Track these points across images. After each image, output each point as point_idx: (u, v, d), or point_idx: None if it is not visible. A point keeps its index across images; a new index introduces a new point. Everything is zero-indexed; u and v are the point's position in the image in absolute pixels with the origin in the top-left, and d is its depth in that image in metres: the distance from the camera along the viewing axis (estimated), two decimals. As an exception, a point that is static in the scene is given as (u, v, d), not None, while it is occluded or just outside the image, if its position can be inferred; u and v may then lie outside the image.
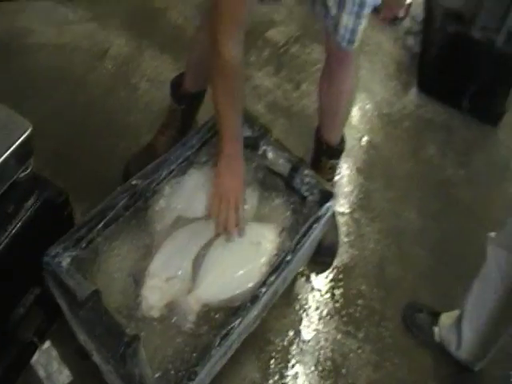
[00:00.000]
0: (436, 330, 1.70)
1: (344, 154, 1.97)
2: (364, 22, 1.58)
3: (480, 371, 1.65)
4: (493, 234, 1.49)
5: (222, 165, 1.47)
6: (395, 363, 1.68)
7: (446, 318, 1.68)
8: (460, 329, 1.59)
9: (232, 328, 1.24)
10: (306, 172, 1.57)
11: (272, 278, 1.35)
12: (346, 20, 1.56)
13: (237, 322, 1.26)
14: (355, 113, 2.43)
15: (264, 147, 1.60)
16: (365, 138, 2.34)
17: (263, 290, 1.33)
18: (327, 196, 1.53)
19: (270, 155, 1.60)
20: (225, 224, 1.43)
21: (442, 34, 2.62)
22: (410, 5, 2.93)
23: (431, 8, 2.90)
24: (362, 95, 2.49)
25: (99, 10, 2.54)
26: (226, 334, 1.23)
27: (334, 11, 1.56)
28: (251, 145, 1.60)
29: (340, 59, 1.72)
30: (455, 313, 1.63)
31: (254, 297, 1.31)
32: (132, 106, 2.17)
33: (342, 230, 1.97)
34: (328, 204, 1.51)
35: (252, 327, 1.44)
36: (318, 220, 1.48)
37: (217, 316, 1.33)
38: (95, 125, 2.07)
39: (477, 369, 1.64)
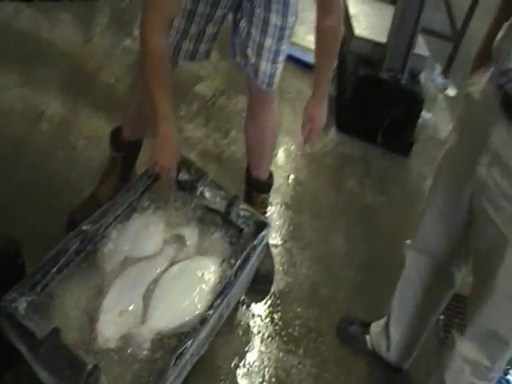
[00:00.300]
0: (368, 338, 1.88)
1: (274, 192, 2.18)
2: (280, 67, 1.83)
3: (407, 370, 1.84)
4: (408, 241, 1.70)
5: (158, 142, 1.61)
6: (333, 373, 1.85)
7: (376, 326, 1.87)
8: (388, 333, 1.79)
9: (185, 349, 1.37)
10: (241, 206, 1.74)
11: (218, 302, 1.49)
12: (264, 66, 1.80)
13: (189, 342, 1.39)
14: (281, 154, 2.65)
15: (201, 188, 1.76)
16: (291, 176, 2.56)
17: (211, 312, 1.47)
18: (261, 226, 1.71)
19: (207, 195, 1.76)
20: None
21: (354, 78, 2.92)
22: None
23: (344, 55, 3.20)
24: (285, 138, 2.72)
25: (33, 73, 2.65)
26: (180, 354, 1.36)
27: (253, 60, 1.79)
28: (189, 187, 1.76)
29: (261, 100, 1.95)
30: (383, 320, 1.83)
31: (202, 319, 1.45)
32: (72, 164, 2.28)
33: (276, 259, 2.15)
34: (262, 233, 1.69)
35: (202, 349, 1.57)
36: (254, 248, 1.65)
37: (170, 341, 1.45)
38: (37, 184, 2.15)
39: (405, 368, 1.84)
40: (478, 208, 1.46)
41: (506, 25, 1.46)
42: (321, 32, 1.72)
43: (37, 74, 2.65)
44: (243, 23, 1.80)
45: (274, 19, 1.75)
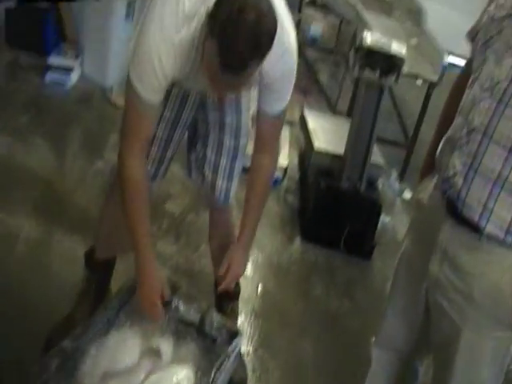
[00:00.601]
0: None
1: (243, 301, 2.28)
2: (235, 183, 2.00)
3: None
4: (373, 339, 1.80)
5: (140, 279, 1.73)
6: None
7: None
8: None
9: None
10: (214, 317, 1.84)
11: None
12: (221, 184, 1.99)
13: None
14: (249, 265, 2.74)
15: (176, 302, 1.85)
16: (260, 286, 2.66)
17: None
18: (234, 335, 1.80)
19: (182, 308, 1.85)
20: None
21: (316, 190, 3.08)
22: (286, 169, 3.44)
23: (305, 168, 3.40)
24: (253, 250, 2.82)
25: (8, 197, 2.71)
26: None
27: (209, 178, 1.97)
28: (164, 303, 1.84)
29: (220, 211, 2.13)
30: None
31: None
32: (47, 285, 2.31)
33: (249, 366, 2.21)
34: (235, 342, 1.77)
35: None
36: (228, 357, 1.72)
37: None
38: (13, 306, 2.16)
39: None
40: (433, 303, 1.59)
41: (444, 138, 1.68)
42: (254, 169, 1.86)
43: (11, 197, 2.73)
44: (199, 146, 2.00)
45: (228, 141, 1.95)
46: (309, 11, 5.71)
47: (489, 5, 1.57)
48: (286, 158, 3.42)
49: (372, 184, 3.13)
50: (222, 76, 1.39)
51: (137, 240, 1.70)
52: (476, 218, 1.53)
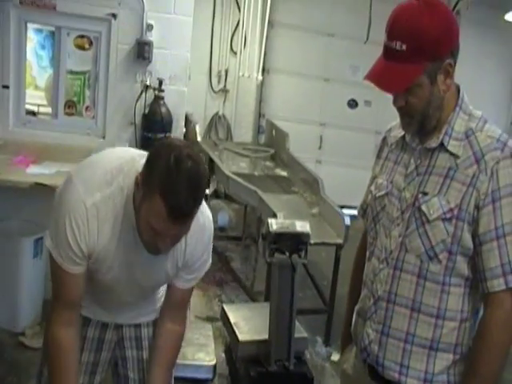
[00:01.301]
0: None
1: None
2: None
3: None
4: None
5: None
6: None
7: None
8: None
9: None
10: None
11: None
12: None
13: None
14: None
15: None
16: None
17: None
18: None
19: None
20: None
21: (247, 379, 3.05)
22: (215, 366, 3.39)
23: (233, 361, 3.37)
24: None
25: None
26: None
27: None
28: None
29: None
30: None
31: None
32: None
33: None
34: None
35: None
36: None
37: None
38: None
39: None
40: None
41: (355, 309, 1.80)
42: (166, 336, 1.87)
43: None
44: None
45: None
46: (213, 201, 6.06)
47: (370, 185, 1.80)
48: (212, 355, 3.40)
49: (300, 358, 3.15)
50: (172, 225, 1.45)
51: None
52: (396, 376, 1.61)
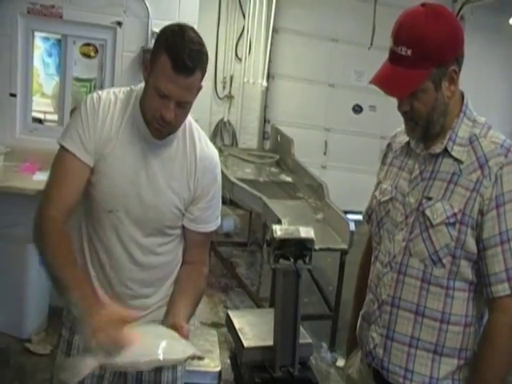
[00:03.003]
0: None
1: None
2: None
3: None
4: None
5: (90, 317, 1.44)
6: None
7: None
8: None
9: None
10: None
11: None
12: None
13: None
14: None
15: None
16: None
17: None
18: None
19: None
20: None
21: (252, 386, 3.05)
22: (220, 372, 3.39)
23: (239, 368, 3.37)
24: None
25: None
26: None
27: None
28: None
29: None
30: None
31: None
32: None
33: None
34: None
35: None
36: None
37: None
38: None
39: None
40: None
41: (360, 313, 1.81)
42: (185, 270, 1.87)
43: None
44: None
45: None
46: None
47: (375, 190, 1.81)
48: (217, 362, 3.40)
49: (305, 363, 3.15)
50: (176, 79, 1.58)
51: (70, 278, 1.55)
52: (401, 380, 1.61)
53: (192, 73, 1.61)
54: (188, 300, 1.75)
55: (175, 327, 1.56)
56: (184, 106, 1.67)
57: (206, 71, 1.67)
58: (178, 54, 1.58)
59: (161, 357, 1.45)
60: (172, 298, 1.79)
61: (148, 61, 1.68)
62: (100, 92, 1.79)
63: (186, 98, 1.65)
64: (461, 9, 7.01)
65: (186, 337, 1.55)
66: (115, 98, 1.77)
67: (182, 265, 1.91)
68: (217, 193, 1.88)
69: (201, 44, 1.64)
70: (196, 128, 1.86)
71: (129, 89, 1.81)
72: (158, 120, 1.67)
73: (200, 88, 1.70)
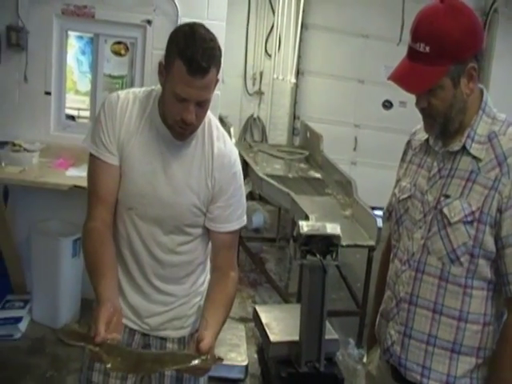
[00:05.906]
0: None
1: None
2: None
3: None
4: None
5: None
6: None
7: None
8: None
9: None
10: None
11: None
12: None
13: None
14: None
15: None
16: None
17: None
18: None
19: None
20: None
21: (278, 380, 3.10)
22: (246, 366, 3.44)
23: (265, 362, 3.42)
24: None
25: None
26: None
27: None
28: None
29: None
30: None
31: None
32: None
33: None
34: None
35: None
36: None
37: None
38: None
39: None
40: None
41: (379, 311, 1.82)
42: (215, 277, 1.85)
43: None
44: None
45: None
46: (248, 203, 6.09)
47: (394, 187, 1.83)
48: (244, 356, 3.45)
49: (331, 359, 3.18)
50: (193, 82, 1.60)
51: (101, 292, 1.61)
52: (418, 378, 1.62)
53: (207, 72, 1.62)
54: (216, 310, 1.76)
55: (198, 340, 1.60)
56: (203, 105, 1.70)
57: (221, 64, 1.68)
58: (191, 57, 1.59)
59: None
60: (203, 307, 1.83)
61: (162, 66, 1.70)
62: (120, 92, 1.83)
63: (204, 96, 1.68)
64: (494, 2, 6.89)
65: (204, 351, 1.57)
66: (134, 97, 1.81)
67: (210, 270, 1.93)
68: (236, 191, 1.87)
69: (212, 40, 1.64)
70: (216, 126, 1.87)
71: (149, 89, 1.84)
72: (179, 124, 1.70)
73: (217, 82, 1.71)
